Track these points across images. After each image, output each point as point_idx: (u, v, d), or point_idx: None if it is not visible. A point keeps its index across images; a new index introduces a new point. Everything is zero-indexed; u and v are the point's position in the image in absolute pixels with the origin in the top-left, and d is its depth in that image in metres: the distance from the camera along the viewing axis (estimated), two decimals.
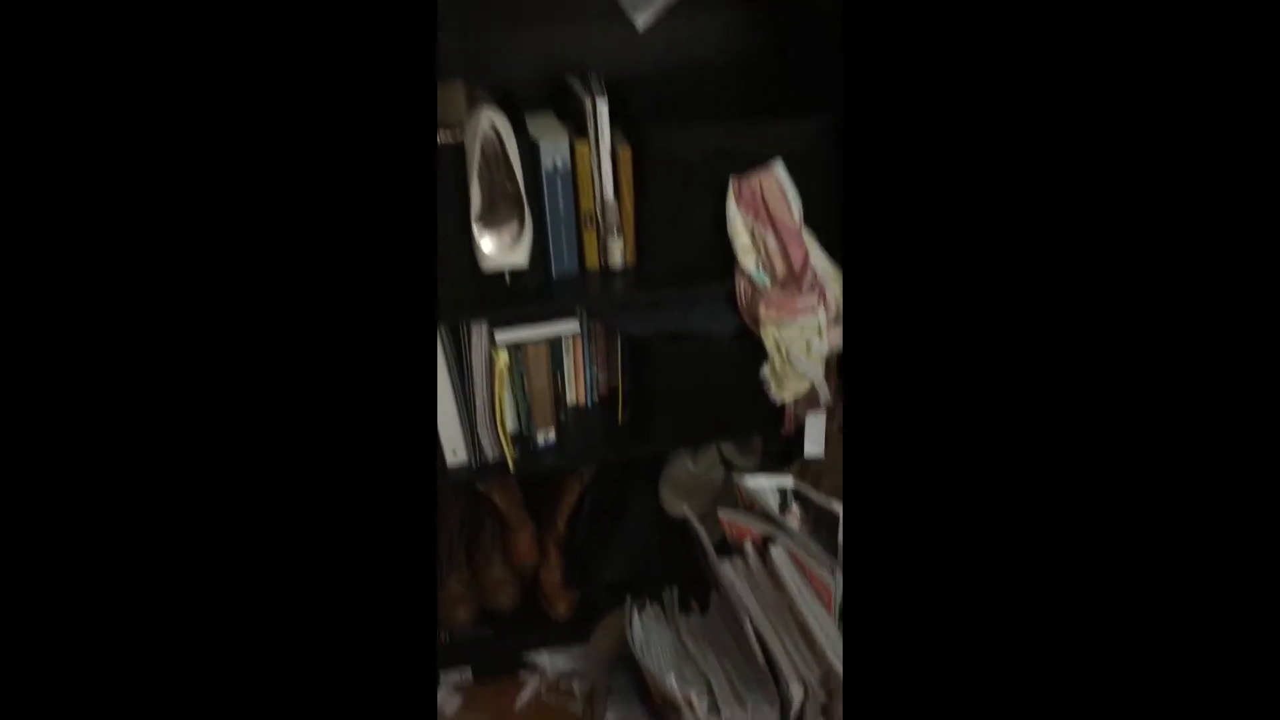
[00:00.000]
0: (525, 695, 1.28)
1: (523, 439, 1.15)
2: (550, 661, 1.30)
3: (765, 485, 1.10)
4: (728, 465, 1.30)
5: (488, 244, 0.94)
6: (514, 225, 0.95)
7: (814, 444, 1.12)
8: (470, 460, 1.12)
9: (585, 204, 1.00)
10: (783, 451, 1.31)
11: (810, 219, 0.98)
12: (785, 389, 1.04)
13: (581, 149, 0.96)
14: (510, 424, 1.14)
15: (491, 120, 0.89)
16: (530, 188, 0.95)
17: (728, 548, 1.09)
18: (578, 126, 0.98)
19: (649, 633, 1.12)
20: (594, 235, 1.03)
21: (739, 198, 0.95)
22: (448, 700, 1.25)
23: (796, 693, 0.97)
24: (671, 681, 0.98)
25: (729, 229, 0.97)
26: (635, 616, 1.12)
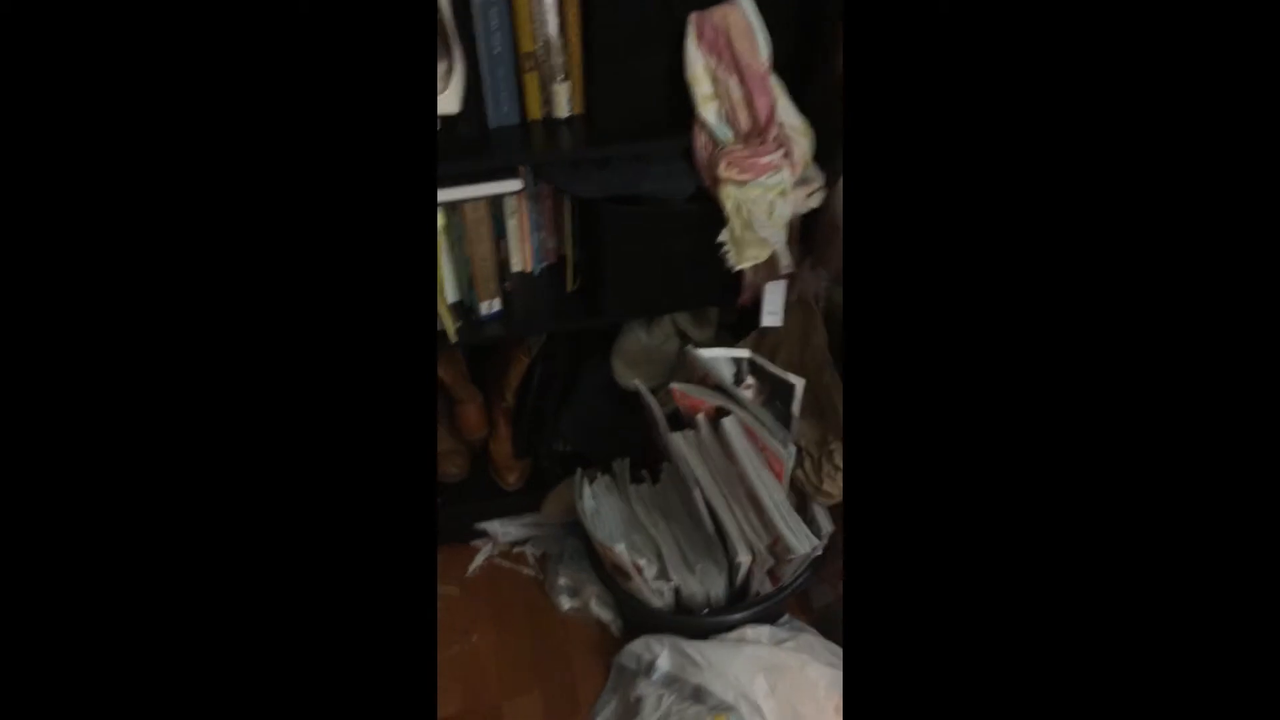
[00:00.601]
0: (478, 560, 1.30)
1: (464, 309, 1.08)
2: (502, 529, 1.30)
3: (720, 356, 1.06)
4: (683, 336, 1.26)
5: None
6: (442, 65, 0.83)
7: (772, 314, 1.08)
8: None
9: (525, 43, 0.87)
10: (739, 322, 1.27)
11: (778, 64, 0.88)
12: (744, 256, 0.98)
13: None
14: (451, 292, 1.06)
15: None
16: (460, 20, 0.82)
17: (680, 420, 1.06)
18: None
19: (599, 502, 1.12)
20: (536, 80, 0.91)
21: (700, 37, 0.84)
22: None
23: (744, 558, 0.99)
24: (621, 549, 0.99)
25: (688, 74, 0.86)
26: (585, 487, 1.11)
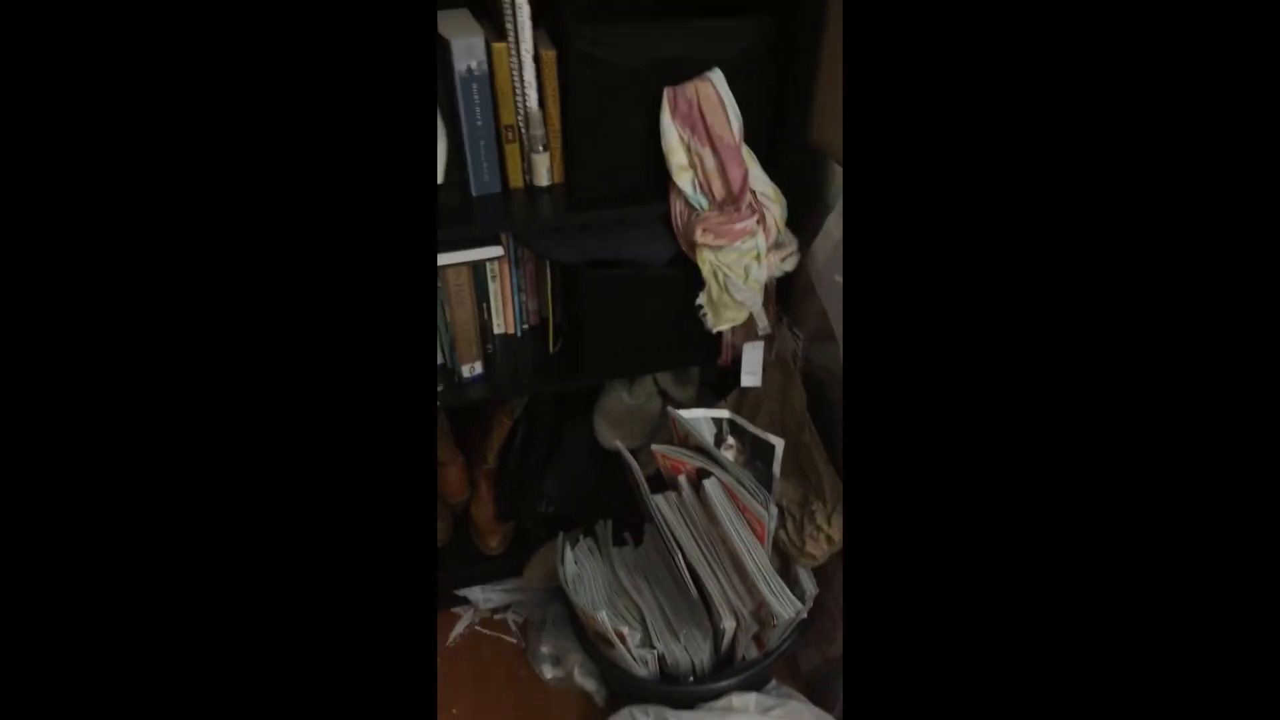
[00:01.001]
0: (459, 628, 1.27)
1: (446, 371, 1.08)
2: (483, 596, 1.28)
3: (701, 417, 1.07)
4: (665, 395, 1.26)
5: None
6: None
7: (751, 374, 1.09)
8: None
9: (506, 115, 0.90)
10: (720, 380, 1.28)
11: (750, 135, 0.91)
12: (722, 318, 1.00)
13: (500, 50, 0.86)
14: None
15: None
16: (443, 94, 0.85)
17: (662, 481, 1.06)
18: (496, 26, 0.87)
19: (582, 566, 1.10)
20: (517, 150, 0.94)
21: (674, 110, 0.88)
22: None
23: (729, 624, 0.97)
24: (603, 616, 0.97)
25: (664, 145, 0.89)
26: (568, 551, 1.10)
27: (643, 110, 0.89)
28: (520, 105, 0.90)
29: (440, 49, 0.83)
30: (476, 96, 0.87)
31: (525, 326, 1.17)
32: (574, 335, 1.11)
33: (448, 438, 1.27)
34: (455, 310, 1.02)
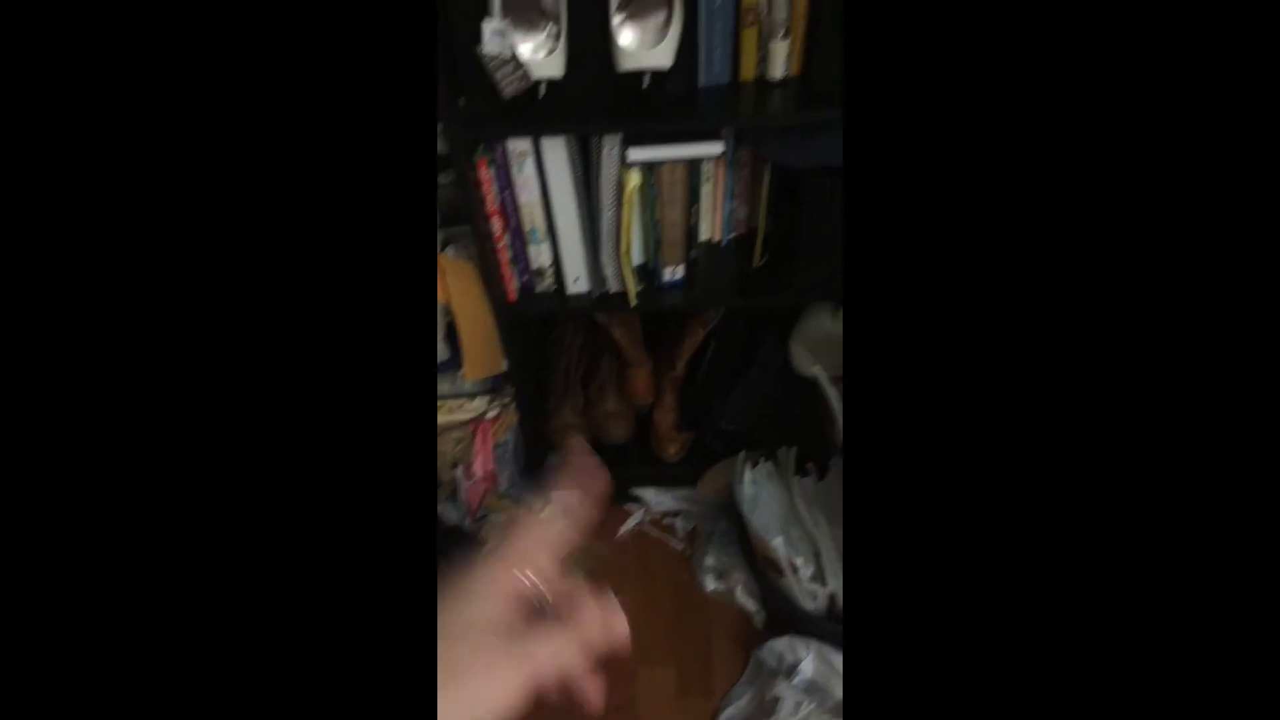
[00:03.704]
0: (629, 524, 1.31)
1: (648, 273, 1.06)
2: (655, 498, 1.30)
3: None
4: None
5: (627, 37, 0.80)
6: (660, 16, 0.80)
7: None
8: (592, 289, 1.05)
9: None
10: None
11: None
12: None
13: None
14: (636, 255, 1.05)
15: None
16: None
17: None
18: None
19: (759, 489, 1.07)
20: (754, 36, 0.85)
21: None
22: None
23: None
24: (778, 543, 0.94)
25: None
26: (747, 471, 1.07)
27: None
28: None
29: None
30: None
31: (732, 235, 1.11)
32: (783, 250, 1.03)
33: (639, 340, 1.27)
34: (665, 210, 0.98)
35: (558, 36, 0.79)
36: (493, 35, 0.76)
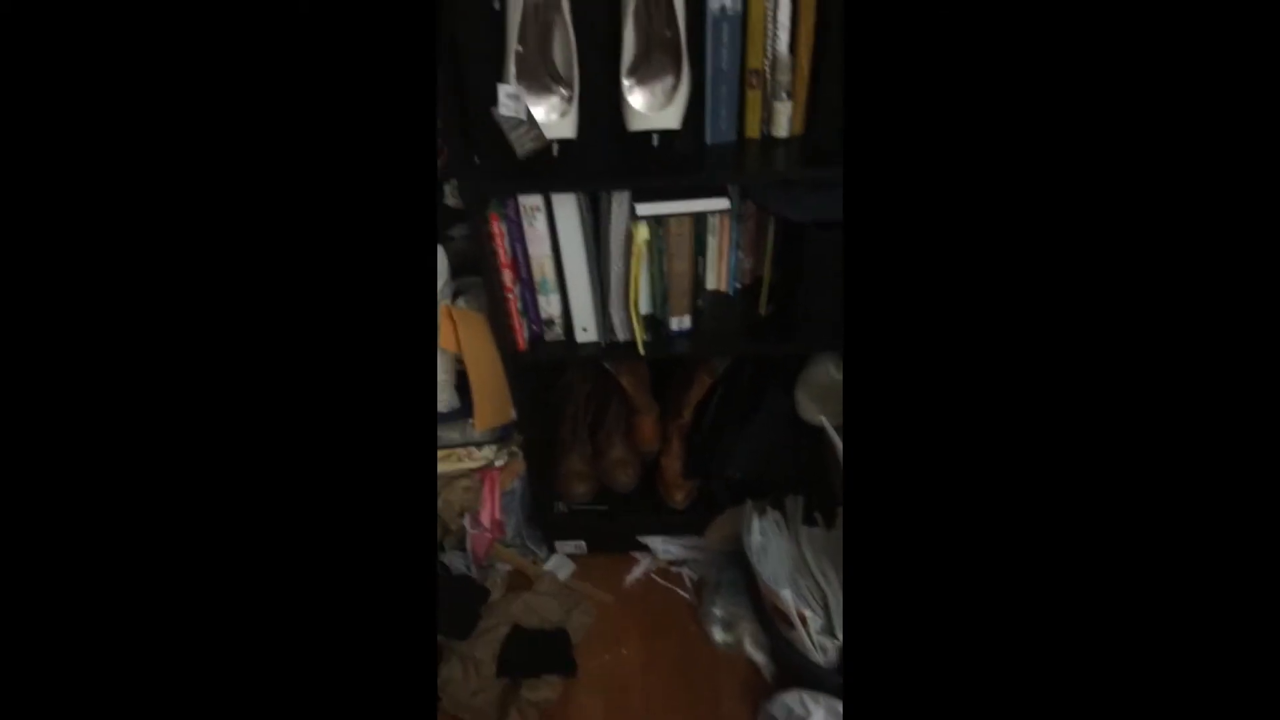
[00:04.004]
0: (636, 572, 1.30)
1: (655, 322, 1.08)
2: (663, 546, 1.29)
3: None
4: None
5: (637, 100, 0.83)
6: (669, 80, 0.83)
7: None
8: (600, 339, 1.07)
9: (753, 59, 0.85)
10: None
11: None
12: None
13: None
14: (644, 305, 1.07)
15: None
16: (692, 35, 0.82)
17: None
18: None
19: (767, 538, 1.07)
20: (759, 97, 0.88)
21: None
22: (561, 567, 1.29)
23: None
24: (787, 595, 0.93)
25: None
26: (755, 520, 1.07)
27: None
28: (769, 48, 0.85)
29: None
30: (725, 37, 0.83)
31: (738, 285, 1.13)
32: (787, 300, 1.05)
33: (646, 387, 1.28)
34: (672, 261, 1.00)
35: (570, 99, 0.82)
36: (508, 99, 0.79)
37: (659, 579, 1.29)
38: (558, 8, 0.78)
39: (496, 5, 0.77)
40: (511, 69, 0.79)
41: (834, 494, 1.07)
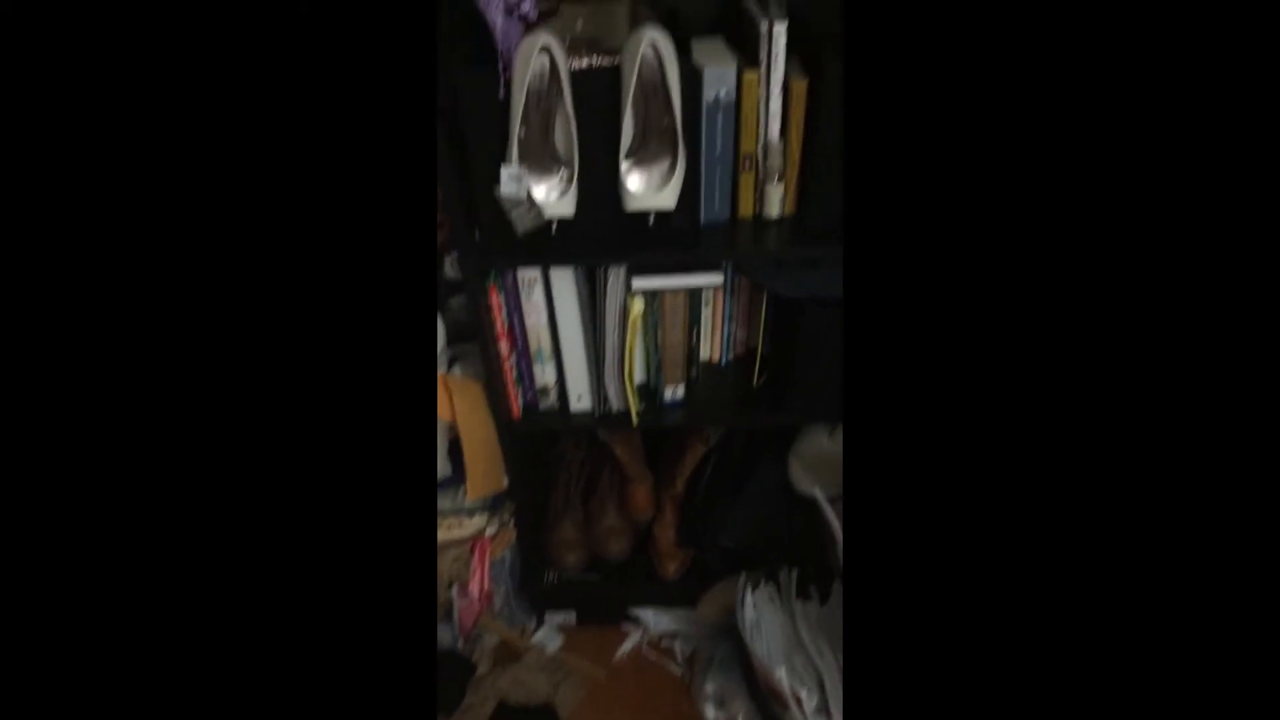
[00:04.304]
0: (626, 646, 1.27)
1: (649, 392, 1.09)
2: (654, 619, 1.26)
3: None
4: None
5: (635, 182, 0.86)
6: (665, 163, 0.86)
7: None
8: (594, 408, 1.07)
9: (746, 144, 0.89)
10: None
11: None
12: None
13: (750, 79, 0.84)
14: (638, 375, 1.08)
15: (653, 41, 0.79)
16: (688, 122, 0.85)
17: None
18: (749, 54, 0.86)
19: (761, 614, 1.05)
20: (751, 179, 0.92)
21: None
22: (550, 639, 1.26)
23: None
24: (781, 674, 0.91)
25: None
26: (748, 595, 1.06)
27: None
28: (761, 134, 0.88)
29: (693, 77, 0.84)
30: (720, 124, 0.87)
31: (731, 356, 1.15)
32: (781, 371, 1.07)
33: (639, 456, 1.28)
34: (667, 333, 1.02)
35: (570, 180, 0.85)
36: (509, 179, 0.82)
37: (650, 653, 1.26)
38: (560, 95, 0.82)
39: (501, 95, 0.81)
40: (514, 151, 0.82)
41: (828, 566, 1.07)
